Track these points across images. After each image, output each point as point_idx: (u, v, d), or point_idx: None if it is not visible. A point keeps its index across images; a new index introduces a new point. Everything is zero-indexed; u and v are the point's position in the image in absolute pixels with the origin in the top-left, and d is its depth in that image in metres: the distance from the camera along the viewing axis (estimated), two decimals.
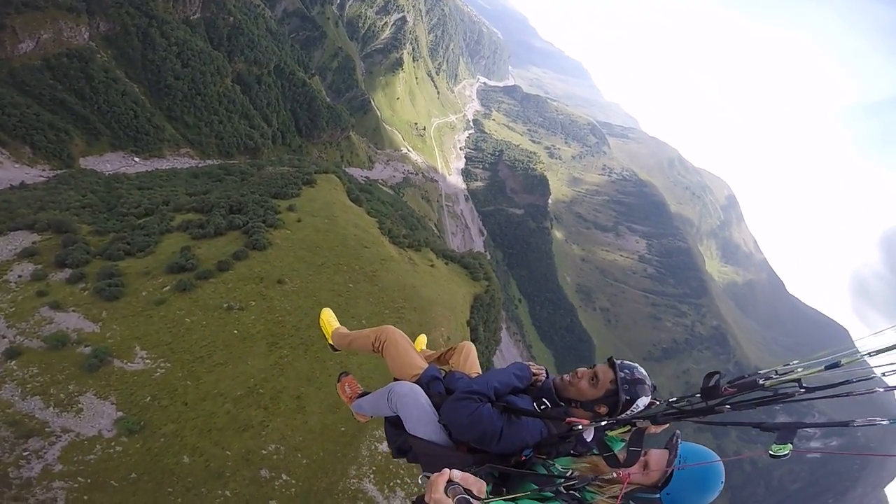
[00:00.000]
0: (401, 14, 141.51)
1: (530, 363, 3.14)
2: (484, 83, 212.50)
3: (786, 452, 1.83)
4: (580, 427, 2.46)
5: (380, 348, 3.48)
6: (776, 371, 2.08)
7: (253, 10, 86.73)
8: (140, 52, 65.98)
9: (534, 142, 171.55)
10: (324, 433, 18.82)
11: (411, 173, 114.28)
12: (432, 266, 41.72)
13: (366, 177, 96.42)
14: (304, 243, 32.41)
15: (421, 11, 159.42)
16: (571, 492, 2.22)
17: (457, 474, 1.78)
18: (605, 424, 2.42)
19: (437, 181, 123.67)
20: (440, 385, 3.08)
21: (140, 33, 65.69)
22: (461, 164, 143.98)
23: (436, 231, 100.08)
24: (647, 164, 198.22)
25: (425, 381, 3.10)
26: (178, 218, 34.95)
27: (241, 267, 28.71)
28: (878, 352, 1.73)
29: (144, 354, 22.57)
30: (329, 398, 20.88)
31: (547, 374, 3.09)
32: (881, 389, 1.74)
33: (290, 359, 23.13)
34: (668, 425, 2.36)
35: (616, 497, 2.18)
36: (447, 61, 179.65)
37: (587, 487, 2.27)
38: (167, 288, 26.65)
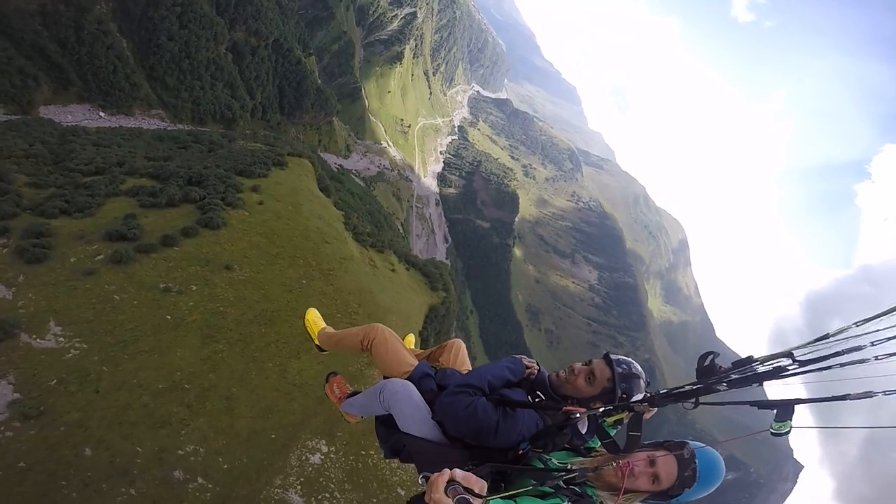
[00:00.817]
0: (413, 9, 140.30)
1: (522, 357, 3.15)
2: (477, 92, 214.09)
3: (787, 430, 1.88)
4: (577, 415, 2.49)
5: (368, 346, 3.43)
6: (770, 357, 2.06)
7: None
8: (142, 8, 63.38)
9: (513, 158, 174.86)
10: (251, 438, 17.78)
11: (387, 168, 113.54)
12: (393, 271, 41.80)
13: (340, 165, 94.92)
14: (262, 229, 31.46)
15: (433, 10, 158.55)
16: (572, 486, 2.21)
17: (458, 473, 1.76)
18: (603, 410, 2.46)
19: (411, 181, 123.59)
20: (432, 382, 3.05)
21: None
22: (439, 167, 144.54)
23: (401, 231, 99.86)
24: (614, 197, 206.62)
25: (417, 378, 3.05)
26: (130, 182, 32.99)
27: (188, 245, 26.69)
28: (864, 322, 1.77)
29: (59, 331, 20.03)
30: (262, 402, 19.91)
31: (539, 367, 3.09)
32: (874, 358, 1.72)
33: (226, 355, 21.51)
34: (655, 410, 2.38)
35: (618, 491, 2.19)
36: (446, 64, 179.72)
37: (588, 482, 2.27)
38: (100, 257, 24.11)
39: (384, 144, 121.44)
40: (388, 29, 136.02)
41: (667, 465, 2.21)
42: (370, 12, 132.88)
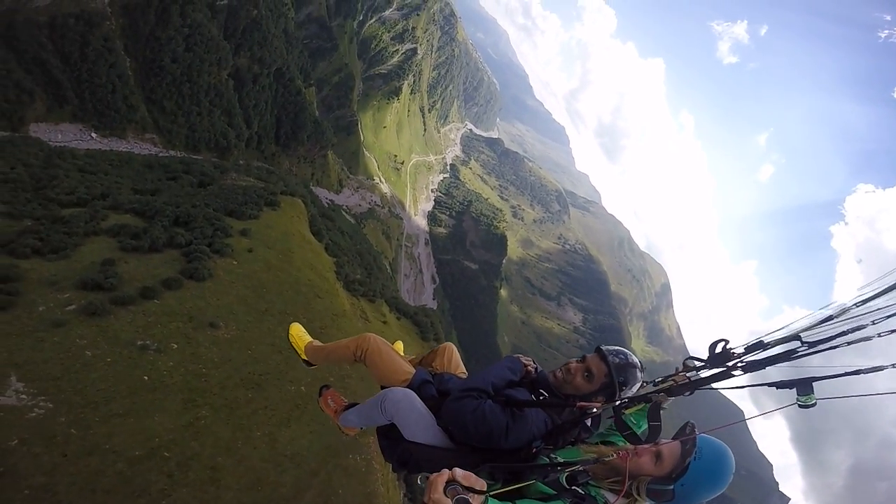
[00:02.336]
0: (413, 45, 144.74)
1: (520, 356, 3.11)
2: (470, 130, 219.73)
3: (813, 402, 1.89)
4: (595, 410, 2.48)
5: (361, 357, 3.33)
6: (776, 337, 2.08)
7: (279, 7, 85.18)
8: (151, 27, 62.95)
9: (502, 198, 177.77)
10: None
11: (378, 205, 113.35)
12: (384, 322, 40.38)
13: (331, 200, 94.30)
14: (251, 281, 29.83)
15: (432, 47, 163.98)
16: (574, 488, 2.17)
17: (459, 473, 1.75)
18: (621, 404, 2.42)
19: (401, 218, 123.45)
20: (432, 388, 3.01)
21: (161, 8, 62.88)
22: (429, 206, 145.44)
23: (389, 271, 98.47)
24: (599, 240, 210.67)
25: (417, 385, 3.00)
26: (113, 218, 31.24)
27: (169, 297, 24.82)
28: (862, 302, 1.85)
29: (21, 387, 18.00)
30: (250, 473, 18.04)
31: (537, 366, 3.07)
32: (877, 335, 1.80)
33: (210, 421, 19.77)
34: (671, 399, 2.36)
35: (620, 485, 2.16)
36: (442, 101, 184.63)
37: (590, 482, 2.23)
38: (72, 307, 22.00)
39: (376, 180, 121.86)
40: (389, 63, 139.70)
41: (671, 448, 2.19)
42: (372, 46, 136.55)
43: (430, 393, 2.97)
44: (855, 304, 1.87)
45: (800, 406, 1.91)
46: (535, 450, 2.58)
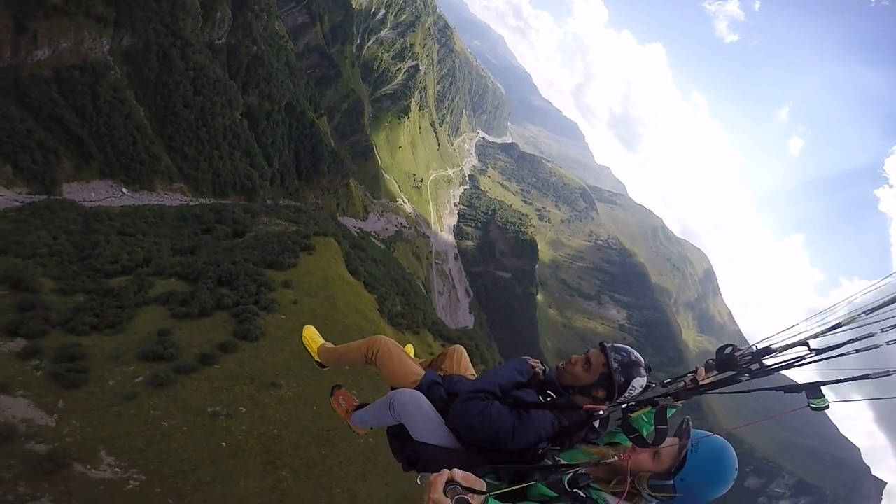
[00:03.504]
0: (415, 62, 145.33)
1: (527, 357, 3.11)
2: (483, 138, 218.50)
3: (826, 405, 1.88)
4: (601, 412, 2.47)
5: (373, 359, 3.41)
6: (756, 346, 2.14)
7: (277, 41, 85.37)
8: (156, 73, 62.95)
9: (526, 202, 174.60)
10: None
11: (404, 227, 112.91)
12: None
13: (359, 228, 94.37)
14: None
15: (433, 61, 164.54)
16: (576, 490, 2.17)
17: (458, 474, 1.74)
18: (626, 406, 2.41)
19: (428, 237, 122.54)
20: (441, 389, 3.03)
21: (161, 53, 62.83)
22: (454, 220, 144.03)
23: (423, 291, 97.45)
24: (631, 232, 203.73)
25: (426, 387, 3.04)
26: (159, 285, 31.47)
27: (228, 361, 25.45)
28: (872, 310, 1.82)
29: (112, 461, 19.19)
30: None
31: (545, 367, 3.06)
32: (885, 343, 1.78)
33: (291, 482, 20.41)
34: (680, 403, 2.35)
35: (623, 485, 2.16)
36: (451, 113, 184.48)
37: (592, 485, 2.23)
38: (139, 379, 23.12)
39: (399, 201, 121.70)
40: (393, 83, 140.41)
41: (668, 446, 2.23)
42: (374, 68, 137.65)
43: (439, 394, 2.97)
44: (864, 312, 1.83)
45: (812, 409, 1.89)
46: (541, 451, 2.59)
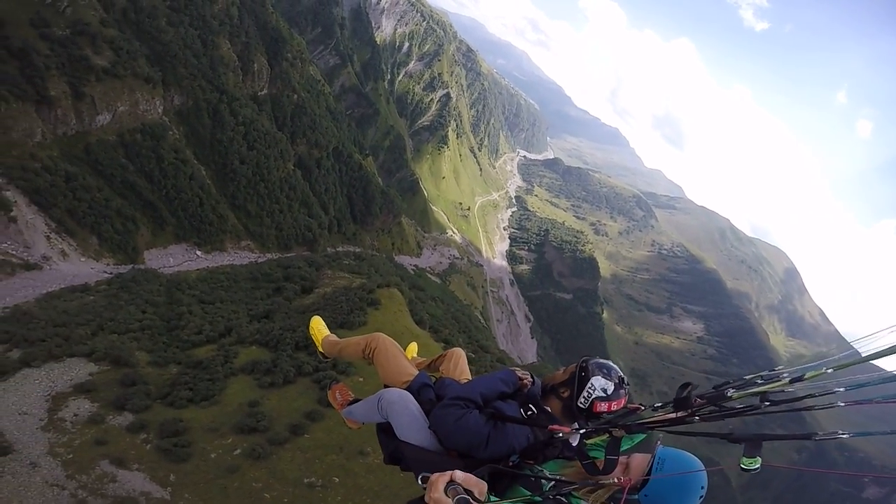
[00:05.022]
0: (445, 90, 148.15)
1: (516, 368, 3.18)
2: (524, 157, 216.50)
3: (756, 466, 1.83)
4: (560, 434, 2.57)
5: (370, 355, 3.53)
6: (761, 376, 2.08)
7: (315, 86, 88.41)
8: (209, 130, 65.82)
9: (578, 218, 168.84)
10: None
11: (457, 258, 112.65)
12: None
13: (415, 265, 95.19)
14: None
15: (463, 87, 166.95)
16: (559, 497, 2.23)
17: (459, 475, 1.77)
18: (584, 432, 2.49)
19: (481, 265, 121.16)
20: (431, 392, 3.11)
21: (210, 109, 65.64)
22: (505, 245, 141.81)
23: (482, 321, 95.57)
24: (697, 236, 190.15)
25: (416, 388, 3.12)
26: (243, 355, 32.81)
27: (317, 430, 26.14)
28: (841, 366, 1.79)
29: None
30: None
31: (533, 379, 3.10)
32: (842, 404, 1.76)
33: None
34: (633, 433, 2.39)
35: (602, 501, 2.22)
36: (488, 136, 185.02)
37: (573, 493, 2.28)
38: (238, 452, 24.47)
39: (449, 233, 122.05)
40: (428, 115, 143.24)
41: (637, 459, 2.30)
42: (408, 101, 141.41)
43: (428, 396, 3.05)
44: (832, 369, 1.80)
45: (742, 469, 1.83)
46: (511, 463, 2.64)
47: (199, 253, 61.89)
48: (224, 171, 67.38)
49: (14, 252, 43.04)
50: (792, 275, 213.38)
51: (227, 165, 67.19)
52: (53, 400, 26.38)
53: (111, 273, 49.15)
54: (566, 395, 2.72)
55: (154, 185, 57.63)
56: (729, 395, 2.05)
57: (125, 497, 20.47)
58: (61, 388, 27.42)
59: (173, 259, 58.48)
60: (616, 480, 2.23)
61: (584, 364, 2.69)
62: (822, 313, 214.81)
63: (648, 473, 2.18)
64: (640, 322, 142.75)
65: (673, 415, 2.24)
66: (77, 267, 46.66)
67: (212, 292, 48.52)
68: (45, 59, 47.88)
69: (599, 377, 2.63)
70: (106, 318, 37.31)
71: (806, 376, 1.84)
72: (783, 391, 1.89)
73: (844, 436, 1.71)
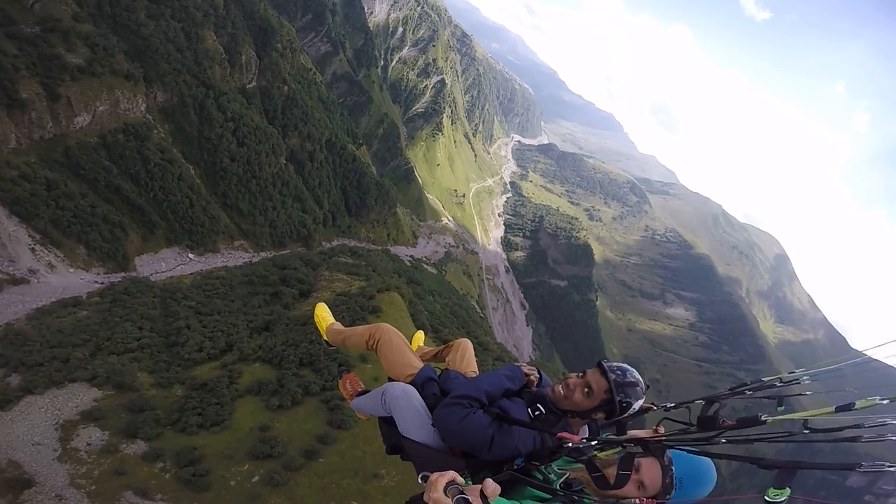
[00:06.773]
0: (440, 76, 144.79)
1: (521, 364, 3.08)
2: (518, 141, 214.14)
3: (783, 498, 1.65)
4: (570, 444, 2.46)
5: (374, 346, 3.46)
6: (780, 379, 2.03)
7: (306, 75, 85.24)
8: (196, 128, 63.00)
9: (572, 203, 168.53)
10: None
11: (452, 246, 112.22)
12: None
13: (411, 256, 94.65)
14: None
15: (457, 72, 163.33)
16: (571, 494, 2.17)
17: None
18: (596, 445, 2.38)
19: (476, 252, 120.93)
20: (435, 386, 3.06)
21: (197, 105, 62.80)
22: (500, 232, 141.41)
23: (478, 309, 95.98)
24: (690, 221, 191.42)
25: (420, 383, 3.07)
26: (247, 374, 32.48)
27: (330, 454, 26.46)
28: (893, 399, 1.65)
29: None
30: None
31: (540, 375, 3.01)
32: (893, 437, 1.62)
33: None
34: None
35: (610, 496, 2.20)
36: (483, 122, 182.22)
37: (585, 490, 2.23)
38: (256, 479, 24.89)
39: (444, 220, 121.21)
40: (423, 101, 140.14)
41: (650, 472, 2.24)
42: (402, 87, 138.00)
43: (432, 391, 3.00)
44: (887, 400, 1.66)
45: (767, 501, 1.67)
46: (515, 466, 2.54)
47: (191, 256, 59.71)
48: (214, 170, 64.97)
49: None
50: (782, 261, 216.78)
51: (217, 163, 64.71)
52: (63, 429, 26.19)
53: (102, 283, 47.15)
54: (600, 417, 2.61)
55: (141, 187, 54.96)
56: (763, 419, 1.90)
57: None
58: (68, 416, 27.17)
59: (165, 264, 56.42)
60: (636, 503, 2.20)
61: (622, 394, 2.53)
62: (810, 300, 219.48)
63: (665, 489, 2.13)
64: (633, 308, 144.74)
65: (695, 434, 2.05)
66: (66, 278, 44.89)
67: (208, 302, 47.28)
68: (14, 60, 45.22)
69: (637, 399, 2.56)
70: (102, 338, 36.31)
71: (857, 405, 1.69)
72: (828, 420, 1.73)
73: (892, 468, 1.55)
